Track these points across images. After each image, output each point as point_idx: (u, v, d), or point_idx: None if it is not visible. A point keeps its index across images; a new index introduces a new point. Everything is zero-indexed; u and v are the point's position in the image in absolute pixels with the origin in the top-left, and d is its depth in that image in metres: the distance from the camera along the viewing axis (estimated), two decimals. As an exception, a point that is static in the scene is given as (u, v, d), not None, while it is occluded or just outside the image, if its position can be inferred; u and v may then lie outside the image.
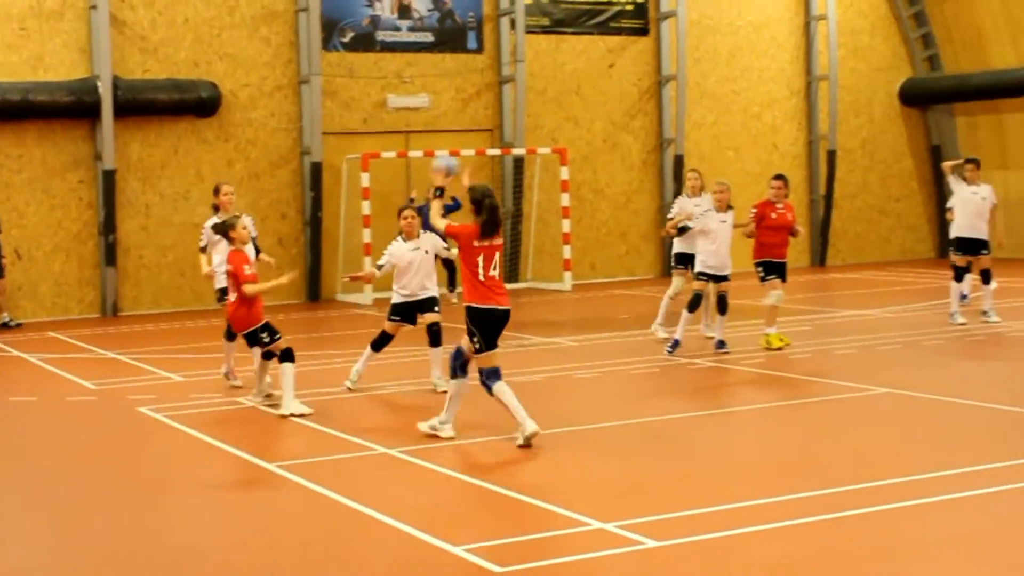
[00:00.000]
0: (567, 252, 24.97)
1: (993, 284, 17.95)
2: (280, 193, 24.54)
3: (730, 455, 10.61)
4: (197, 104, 23.52)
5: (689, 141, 27.77)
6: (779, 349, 15.98)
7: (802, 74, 29.27)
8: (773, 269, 16.32)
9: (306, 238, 24.61)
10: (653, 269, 27.62)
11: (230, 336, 14.18)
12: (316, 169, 24.17)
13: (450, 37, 25.79)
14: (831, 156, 28.99)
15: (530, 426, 10.92)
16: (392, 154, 24.32)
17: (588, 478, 10.04)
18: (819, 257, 29.28)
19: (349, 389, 14.04)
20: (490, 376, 11.11)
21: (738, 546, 8.03)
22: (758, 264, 16.41)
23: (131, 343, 19.02)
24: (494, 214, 11.31)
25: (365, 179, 23.51)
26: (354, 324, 20.83)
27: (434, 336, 13.85)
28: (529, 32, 26.16)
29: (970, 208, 17.96)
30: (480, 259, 11.22)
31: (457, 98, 25.93)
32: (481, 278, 11.20)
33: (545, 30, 26.70)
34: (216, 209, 14.94)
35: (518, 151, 25.52)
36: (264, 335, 12.95)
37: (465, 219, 11.99)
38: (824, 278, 26.42)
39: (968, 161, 18.28)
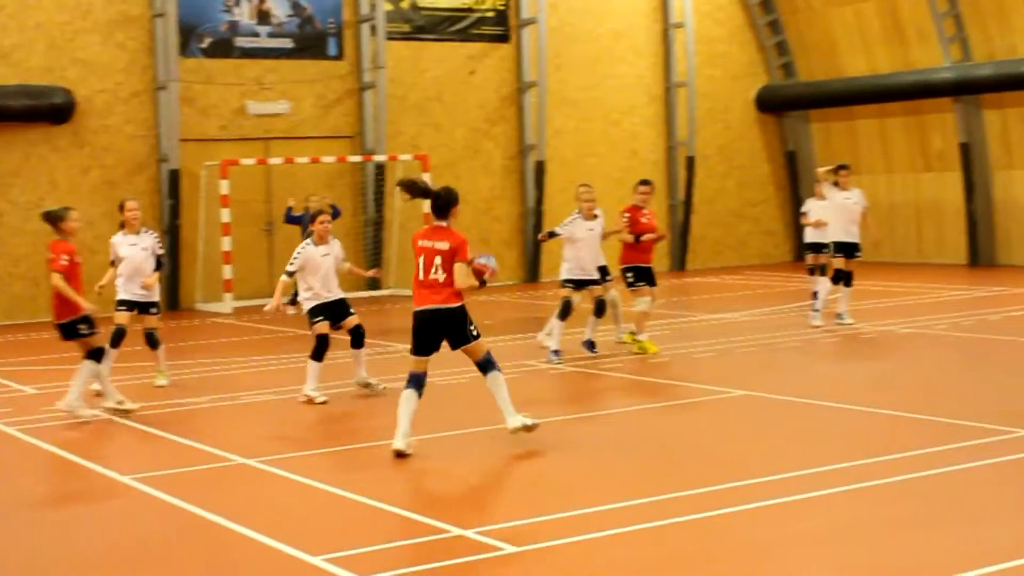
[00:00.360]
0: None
1: (850, 287, 18.31)
2: (138, 201, 24.04)
3: (592, 459, 10.66)
4: (50, 111, 23.06)
5: (550, 147, 27.93)
6: (650, 354, 16.03)
7: (661, 81, 29.61)
8: (642, 275, 16.42)
9: (165, 246, 24.15)
10: (515, 275, 27.72)
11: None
12: (174, 176, 23.83)
13: (310, 43, 25.62)
14: (690, 162, 29.37)
15: (397, 444, 10.73)
16: (252, 161, 24.10)
17: (449, 485, 10.02)
18: (679, 261, 29.64)
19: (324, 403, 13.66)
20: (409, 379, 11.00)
21: (598, 550, 8.06)
22: (626, 270, 16.48)
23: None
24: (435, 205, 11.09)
25: (224, 186, 23.25)
26: (214, 333, 20.58)
27: (359, 338, 13.99)
28: (390, 39, 26.09)
29: (843, 213, 18.36)
30: (420, 259, 10.99)
31: (318, 105, 25.77)
32: (419, 277, 10.97)
33: (406, 37, 26.66)
34: (123, 226, 14.96)
35: (379, 158, 25.44)
36: (83, 326, 12.90)
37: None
38: (683, 282, 26.74)
39: (840, 167, 18.64)
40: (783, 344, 16.78)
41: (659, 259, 29.03)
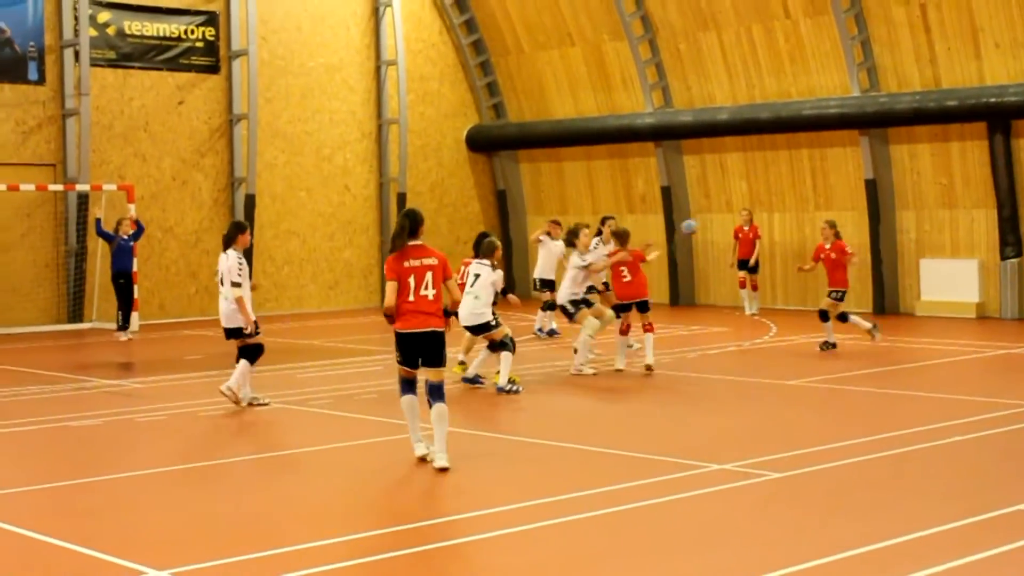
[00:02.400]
0: (135, 292, 24.14)
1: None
2: None
3: (288, 495, 10.52)
4: None
5: (261, 180, 27.64)
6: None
7: (373, 117, 29.70)
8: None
9: None
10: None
11: None
12: None
13: (9, 67, 24.67)
14: (401, 198, 29.50)
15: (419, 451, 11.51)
16: (-56, 187, 23.02)
17: (145, 524, 9.72)
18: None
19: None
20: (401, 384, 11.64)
21: None
22: None
23: None
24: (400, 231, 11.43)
25: (-86, 213, 22.13)
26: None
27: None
28: (95, 65, 25.38)
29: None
30: (410, 280, 11.33)
31: (17, 131, 24.82)
32: (410, 299, 11.29)
33: (112, 64, 25.97)
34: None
35: (82, 187, 24.64)
36: None
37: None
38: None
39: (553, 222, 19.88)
40: (492, 381, 16.95)
41: (370, 295, 29.22)
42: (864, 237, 25.50)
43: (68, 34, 25.07)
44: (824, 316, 19.79)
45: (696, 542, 8.90)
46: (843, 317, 19.93)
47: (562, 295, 17.78)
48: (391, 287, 11.28)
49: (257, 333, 14.77)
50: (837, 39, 25.03)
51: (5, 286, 24.55)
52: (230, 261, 14.64)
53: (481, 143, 31.36)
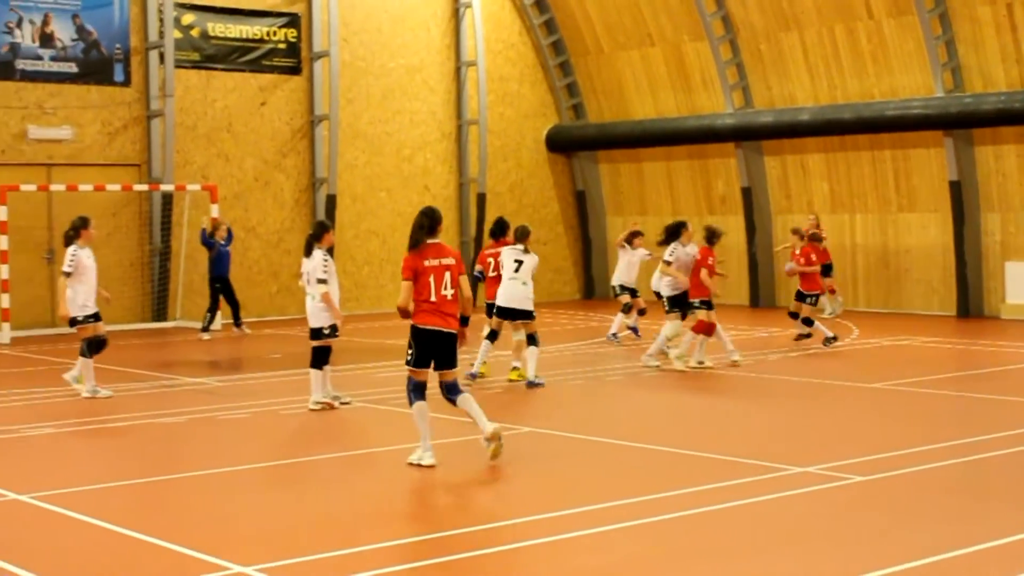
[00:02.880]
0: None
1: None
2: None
3: (369, 493, 10.60)
4: None
5: (342, 181, 27.83)
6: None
7: (453, 118, 29.80)
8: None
9: (-63, 273, 23.34)
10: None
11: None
12: (-51, 201, 23.00)
13: (96, 69, 25.03)
14: (481, 199, 29.58)
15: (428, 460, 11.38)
16: (32, 187, 23.40)
17: (230, 521, 9.84)
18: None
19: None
20: (414, 389, 11.49)
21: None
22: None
23: None
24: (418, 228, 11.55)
25: (3, 212, 22.52)
26: (9, 363, 19.90)
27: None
28: (179, 67, 25.68)
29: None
30: (430, 279, 11.36)
31: (103, 131, 25.18)
32: (432, 299, 11.34)
33: (196, 65, 26.27)
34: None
35: (167, 187, 24.96)
36: None
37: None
38: (474, 319, 26.79)
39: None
40: (572, 381, 16.97)
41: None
42: (948, 239, 25.21)
43: (153, 36, 25.40)
44: (795, 315, 20.55)
45: (779, 545, 8.86)
46: (808, 322, 19.98)
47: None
48: (407, 286, 11.37)
49: (335, 335, 14.83)
50: (921, 39, 24.75)
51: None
52: (315, 259, 14.81)
53: (561, 144, 31.36)
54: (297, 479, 11.37)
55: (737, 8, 27.57)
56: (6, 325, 22.54)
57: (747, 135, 27.79)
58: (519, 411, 14.65)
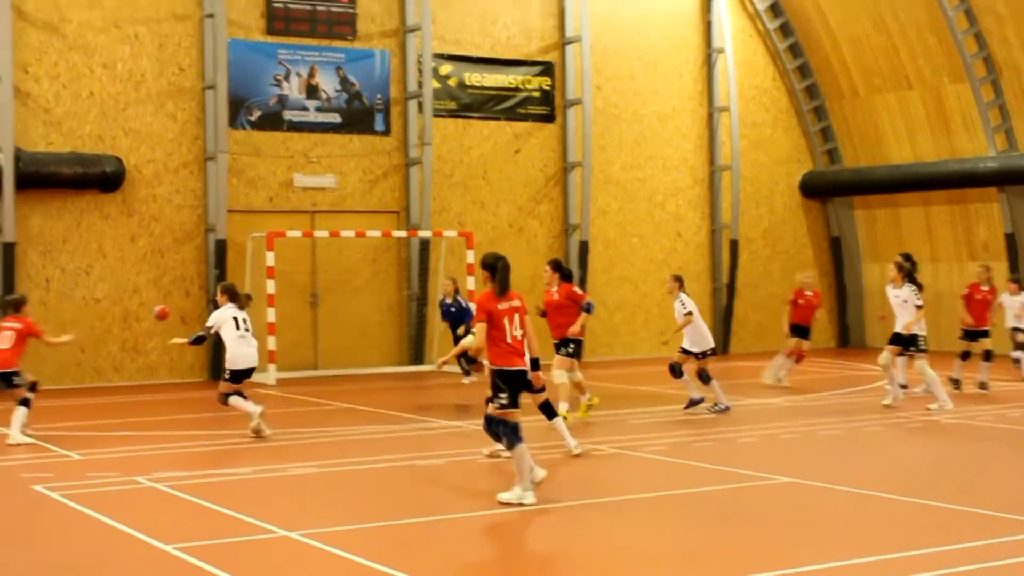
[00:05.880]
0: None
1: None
2: (184, 270, 24.34)
3: (633, 540, 10.58)
4: (101, 178, 23.31)
5: (594, 227, 28.02)
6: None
7: (705, 164, 29.73)
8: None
9: (209, 316, 24.32)
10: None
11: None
12: (220, 247, 24.01)
13: (358, 119, 25.86)
14: (733, 245, 29.38)
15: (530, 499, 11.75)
16: (298, 233, 24.26)
17: (488, 566, 9.96)
18: (722, 345, 29.52)
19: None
20: (514, 431, 11.83)
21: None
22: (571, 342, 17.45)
23: (28, 419, 18.60)
24: (505, 275, 12.04)
25: (270, 258, 23.39)
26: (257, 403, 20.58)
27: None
28: (436, 116, 26.33)
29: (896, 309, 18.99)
30: (504, 321, 11.91)
31: (364, 179, 25.96)
32: (508, 340, 11.90)
33: (452, 114, 26.88)
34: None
35: (424, 234, 25.56)
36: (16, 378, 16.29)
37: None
38: (726, 366, 26.61)
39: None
40: (824, 431, 16.67)
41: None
42: None
43: (412, 86, 26.10)
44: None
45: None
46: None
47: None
48: (483, 328, 11.83)
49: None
50: None
51: (353, 329, 25.65)
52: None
53: (815, 189, 30.92)
54: (554, 523, 11.42)
55: (1000, 48, 26.78)
56: (272, 367, 23.34)
57: (1011, 179, 26.89)
58: (775, 462, 14.43)
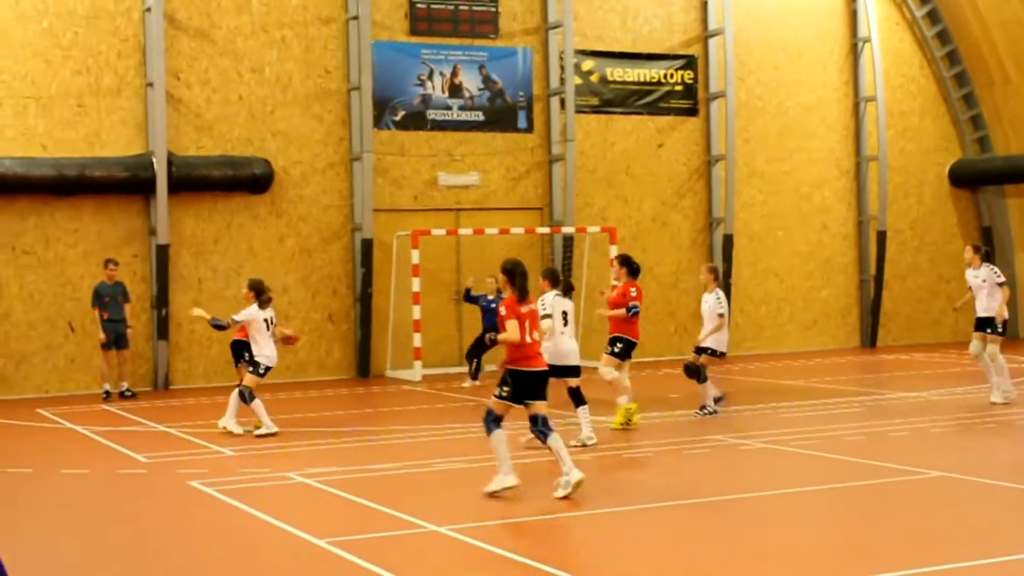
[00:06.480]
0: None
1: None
2: (331, 269, 24.72)
3: (782, 535, 10.51)
4: (250, 180, 23.77)
5: (738, 221, 27.79)
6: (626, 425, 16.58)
7: (851, 155, 29.29)
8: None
9: (356, 314, 24.72)
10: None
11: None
12: (367, 245, 24.32)
13: (500, 116, 25.99)
14: (881, 237, 28.91)
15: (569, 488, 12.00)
16: (442, 231, 24.46)
17: (632, 559, 9.97)
18: (870, 338, 29.12)
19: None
20: (496, 421, 12.37)
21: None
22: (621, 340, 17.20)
23: (182, 416, 19.13)
24: (524, 282, 12.61)
25: (415, 256, 23.63)
26: (404, 400, 20.86)
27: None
28: (579, 112, 26.34)
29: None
30: (525, 324, 12.46)
31: (507, 176, 26.10)
32: (527, 341, 12.44)
33: (595, 110, 26.88)
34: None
35: (568, 230, 25.61)
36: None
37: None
38: (875, 359, 26.25)
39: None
40: (979, 424, 16.35)
41: (849, 335, 28.80)
42: None
43: (554, 83, 26.16)
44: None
45: None
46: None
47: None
48: (515, 324, 12.35)
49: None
50: None
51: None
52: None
53: (965, 178, 30.27)
54: (700, 520, 11.38)
55: None
56: (418, 363, 23.58)
57: None
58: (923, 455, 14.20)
